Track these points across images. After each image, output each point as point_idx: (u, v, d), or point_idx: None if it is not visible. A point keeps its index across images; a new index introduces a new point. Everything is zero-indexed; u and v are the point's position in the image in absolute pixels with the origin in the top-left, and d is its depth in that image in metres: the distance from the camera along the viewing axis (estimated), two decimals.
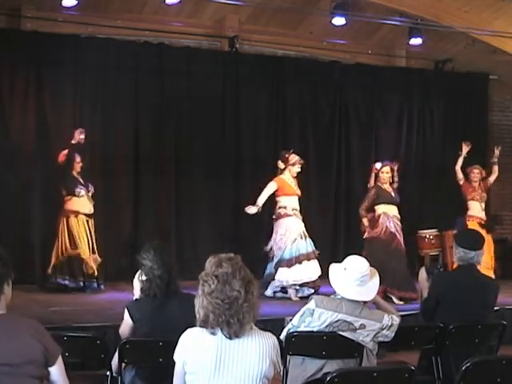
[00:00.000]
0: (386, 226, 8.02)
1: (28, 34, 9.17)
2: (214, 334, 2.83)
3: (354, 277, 4.06)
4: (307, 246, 8.15)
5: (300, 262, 8.04)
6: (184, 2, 9.13)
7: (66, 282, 8.22)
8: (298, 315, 4.13)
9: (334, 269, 4.22)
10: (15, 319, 2.73)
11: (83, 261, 8.25)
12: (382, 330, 4.07)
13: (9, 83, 9.13)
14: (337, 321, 4.01)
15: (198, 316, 2.85)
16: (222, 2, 8.73)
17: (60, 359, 2.76)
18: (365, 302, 4.13)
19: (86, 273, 8.27)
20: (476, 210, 9.16)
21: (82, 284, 8.25)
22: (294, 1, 9.49)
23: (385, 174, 8.21)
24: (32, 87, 9.22)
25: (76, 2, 8.64)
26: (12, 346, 2.62)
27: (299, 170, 8.33)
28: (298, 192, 8.34)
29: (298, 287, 8.08)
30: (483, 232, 8.73)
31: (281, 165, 8.33)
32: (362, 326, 4.03)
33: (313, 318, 4.05)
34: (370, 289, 4.12)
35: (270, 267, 8.29)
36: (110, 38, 9.64)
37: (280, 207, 8.26)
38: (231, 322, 2.78)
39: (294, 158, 8.31)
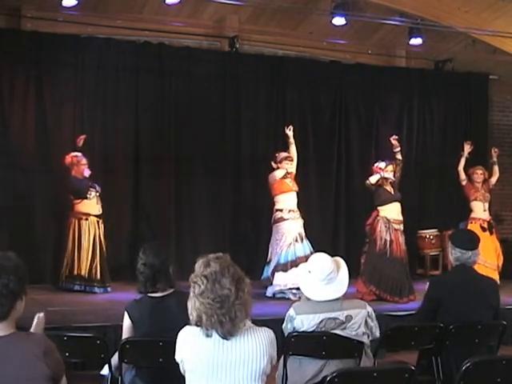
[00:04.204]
0: (381, 237, 8.06)
1: (28, 33, 9.17)
2: (208, 335, 2.82)
3: (320, 277, 4.02)
4: (304, 248, 8.15)
5: (297, 266, 8.02)
6: (184, 2, 9.12)
7: (82, 288, 8.25)
8: (285, 319, 4.15)
9: (300, 273, 4.21)
10: (21, 340, 2.60)
11: (94, 265, 8.28)
12: (369, 317, 4.07)
13: (9, 83, 9.13)
14: (321, 321, 4.01)
15: (191, 318, 2.85)
16: (222, 1, 8.72)
17: (64, 379, 2.68)
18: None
19: (96, 277, 8.30)
20: (479, 210, 9.12)
21: (95, 289, 8.29)
22: (294, 1, 9.49)
23: (389, 172, 8.27)
24: (32, 87, 9.21)
25: (76, 2, 8.63)
26: (12, 371, 2.52)
27: (290, 166, 8.36)
28: (295, 188, 8.37)
29: (295, 291, 8.06)
30: (485, 234, 8.79)
31: (273, 165, 8.41)
32: (349, 318, 4.02)
33: (296, 325, 4.04)
34: (340, 283, 4.07)
35: (266, 271, 8.31)
36: (110, 38, 9.63)
37: (277, 210, 8.29)
38: (223, 321, 2.77)
39: (281, 155, 8.41)
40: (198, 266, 2.86)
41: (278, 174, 8.30)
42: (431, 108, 11.52)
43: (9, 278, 2.56)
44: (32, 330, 2.70)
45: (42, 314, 2.75)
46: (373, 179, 8.23)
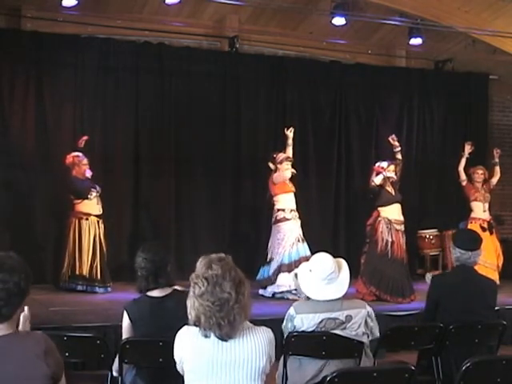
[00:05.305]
0: (383, 238, 8.05)
1: (28, 33, 9.16)
2: (207, 336, 2.82)
3: (321, 277, 4.03)
4: (305, 249, 8.14)
5: (298, 266, 8.00)
6: (184, 2, 9.12)
7: (84, 288, 8.26)
8: (285, 318, 4.15)
9: (301, 272, 4.21)
10: (22, 340, 2.60)
11: (94, 265, 8.29)
12: (369, 317, 4.07)
13: (9, 83, 9.13)
14: (321, 321, 4.01)
15: (190, 317, 2.84)
16: (222, 1, 8.72)
17: (63, 379, 2.67)
18: None
19: (96, 277, 8.31)
20: (479, 211, 9.12)
21: (96, 289, 8.30)
22: (294, 1, 9.48)
23: (391, 171, 8.27)
24: (32, 87, 9.21)
25: (76, 2, 8.63)
26: (13, 370, 2.51)
27: (289, 166, 8.35)
28: (293, 188, 8.38)
29: (294, 291, 8.03)
30: (485, 234, 8.79)
31: (271, 166, 8.39)
32: (349, 318, 4.02)
33: (296, 323, 4.05)
34: (341, 283, 4.09)
35: (266, 270, 8.29)
36: (110, 38, 9.63)
37: (278, 210, 8.28)
38: (222, 324, 2.76)
39: (280, 156, 8.37)
40: (200, 266, 2.85)
41: (287, 174, 8.29)
42: (431, 108, 11.52)
43: (20, 277, 2.56)
44: (20, 328, 2.71)
45: (26, 311, 2.75)
46: (377, 180, 8.22)
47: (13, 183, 9.03)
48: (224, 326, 2.76)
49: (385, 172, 8.23)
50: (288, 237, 8.16)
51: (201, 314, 2.78)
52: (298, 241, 8.17)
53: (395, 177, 8.31)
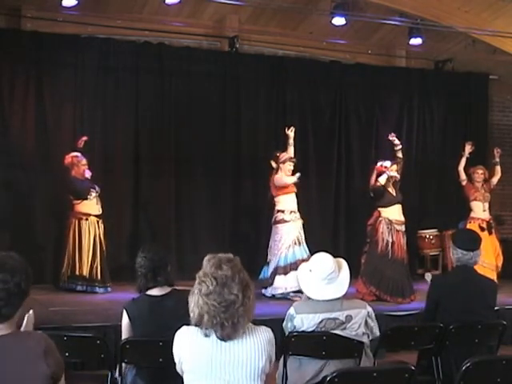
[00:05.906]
0: (383, 238, 8.03)
1: (28, 33, 9.17)
2: (207, 335, 2.81)
3: (321, 277, 4.03)
4: (302, 251, 8.12)
5: (296, 269, 7.99)
6: (184, 2, 9.13)
7: (84, 288, 8.26)
8: (285, 318, 4.15)
9: (301, 272, 4.21)
10: (22, 339, 2.59)
11: (94, 265, 8.29)
12: (369, 317, 4.07)
13: (9, 83, 9.13)
14: (321, 321, 4.01)
15: (192, 315, 2.83)
16: (222, 1, 8.72)
17: (63, 379, 2.66)
18: None
19: (96, 277, 8.31)
20: (479, 210, 9.12)
21: (96, 289, 8.30)
22: (294, 1, 9.49)
23: (394, 171, 8.26)
24: (32, 87, 9.22)
25: (76, 2, 8.63)
26: (13, 370, 2.51)
27: (291, 167, 8.33)
28: (295, 189, 8.36)
29: (293, 293, 8.02)
30: (484, 234, 8.78)
31: (273, 164, 8.38)
32: (349, 318, 4.02)
33: (296, 323, 4.05)
34: (341, 283, 4.09)
35: (266, 271, 8.29)
36: (110, 38, 9.63)
37: (278, 211, 8.26)
38: (225, 325, 2.75)
39: (284, 156, 8.35)
40: (209, 265, 2.82)
41: (290, 180, 8.21)
42: (431, 108, 11.52)
43: (21, 278, 2.56)
44: (22, 329, 2.71)
45: (31, 312, 2.75)
46: (382, 180, 8.19)
47: (13, 183, 9.03)
48: (227, 327, 2.76)
49: (388, 171, 8.22)
50: (285, 239, 8.14)
51: (204, 313, 2.77)
52: (295, 243, 8.13)
53: (398, 176, 8.30)
